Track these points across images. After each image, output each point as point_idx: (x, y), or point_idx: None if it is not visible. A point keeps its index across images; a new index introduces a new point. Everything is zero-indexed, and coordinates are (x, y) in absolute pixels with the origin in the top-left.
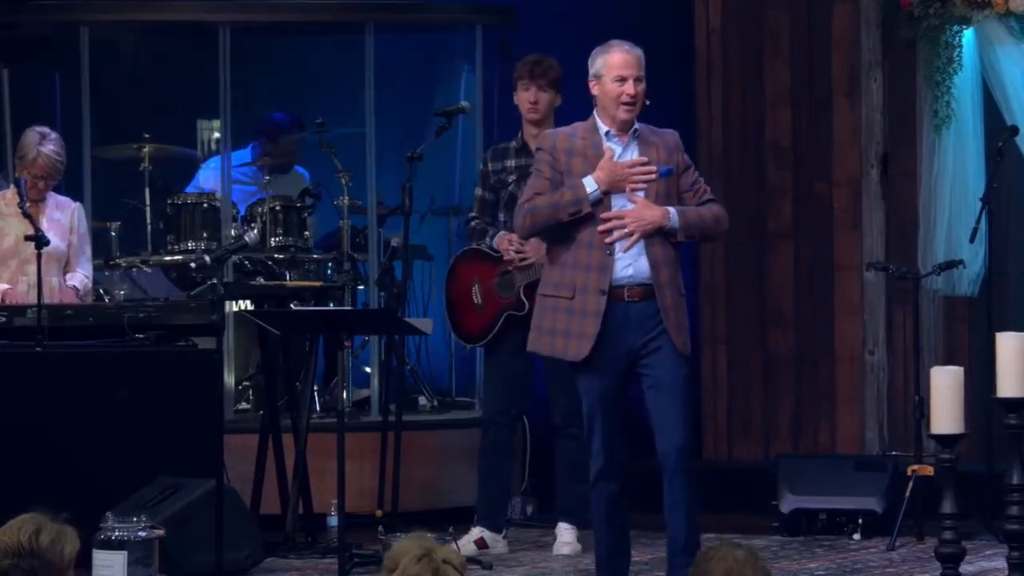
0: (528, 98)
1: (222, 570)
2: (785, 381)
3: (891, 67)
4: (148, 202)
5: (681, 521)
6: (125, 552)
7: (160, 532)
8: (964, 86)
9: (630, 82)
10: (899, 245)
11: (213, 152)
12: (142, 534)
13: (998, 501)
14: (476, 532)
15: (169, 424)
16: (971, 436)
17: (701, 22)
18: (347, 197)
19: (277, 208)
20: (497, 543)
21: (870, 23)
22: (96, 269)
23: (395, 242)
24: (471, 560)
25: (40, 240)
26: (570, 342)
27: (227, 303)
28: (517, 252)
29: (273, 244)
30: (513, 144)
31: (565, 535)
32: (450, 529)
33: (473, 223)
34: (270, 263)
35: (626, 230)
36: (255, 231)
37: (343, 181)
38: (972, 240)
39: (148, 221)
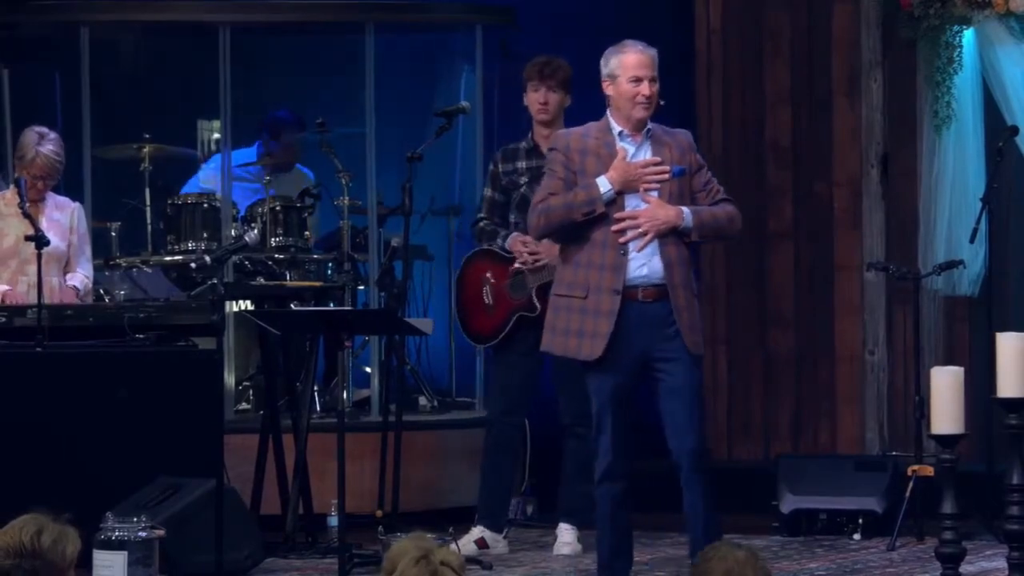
0: (538, 99)
1: (222, 570)
2: (785, 381)
3: (891, 67)
4: (148, 202)
5: (700, 523)
6: (125, 552)
7: (160, 532)
8: (964, 86)
9: (645, 82)
10: (899, 245)
11: (213, 152)
12: (142, 534)
13: (998, 501)
14: (477, 532)
15: (169, 424)
16: (971, 436)
17: (701, 22)
18: (347, 197)
19: (277, 208)
20: (497, 543)
21: (870, 23)
22: (96, 269)
23: (395, 242)
24: (471, 560)
25: (40, 240)
26: (583, 341)
27: (227, 303)
28: (531, 254)
29: (273, 244)
30: (523, 145)
31: (565, 535)
32: (450, 529)
33: (482, 223)
34: (270, 263)
35: (640, 230)
36: (255, 231)
37: (343, 181)
38: (972, 240)
39: (148, 221)
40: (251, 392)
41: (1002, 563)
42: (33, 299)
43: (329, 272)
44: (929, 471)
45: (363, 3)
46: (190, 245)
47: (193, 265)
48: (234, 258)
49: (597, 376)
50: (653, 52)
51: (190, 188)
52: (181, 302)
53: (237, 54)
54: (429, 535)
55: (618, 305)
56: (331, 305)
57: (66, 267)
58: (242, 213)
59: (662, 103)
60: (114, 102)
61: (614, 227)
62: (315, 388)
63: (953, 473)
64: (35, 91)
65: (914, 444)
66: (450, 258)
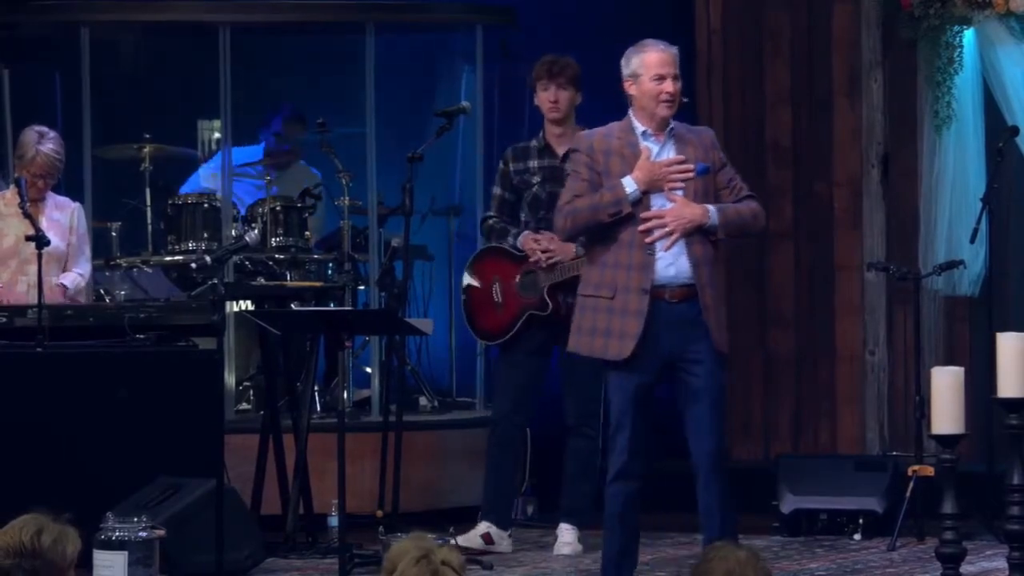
0: (548, 97)
1: (222, 570)
2: (785, 381)
3: (891, 67)
4: (149, 202)
5: (716, 524)
6: (126, 552)
7: (160, 532)
8: (965, 86)
9: (668, 80)
10: (900, 245)
11: (214, 152)
12: (143, 534)
13: (999, 501)
14: (483, 527)
15: (169, 424)
16: (971, 436)
17: (701, 22)
18: (347, 197)
19: (278, 208)
20: (503, 540)
21: (870, 23)
22: (97, 269)
23: (395, 242)
24: (471, 561)
25: (41, 240)
26: (611, 342)
27: (228, 303)
28: (544, 252)
29: (274, 244)
30: (534, 144)
31: (566, 535)
32: (451, 529)
33: (491, 221)
34: (271, 263)
35: (666, 229)
36: (256, 231)
37: (343, 181)
38: (973, 240)
39: (149, 221)
40: (251, 392)
41: (1002, 563)
42: (32, 299)
43: (329, 272)
44: (929, 471)
45: (363, 3)
46: (190, 245)
47: (193, 265)
48: (234, 258)
49: (620, 375)
50: (674, 50)
51: (190, 188)
52: (181, 302)
53: (237, 54)
54: (430, 535)
55: (647, 305)
56: (331, 305)
57: (65, 267)
58: (245, 211)
59: (685, 100)
60: (114, 102)
61: (640, 227)
62: (315, 388)
63: (953, 473)
64: (35, 91)
65: (914, 444)
66: (450, 258)
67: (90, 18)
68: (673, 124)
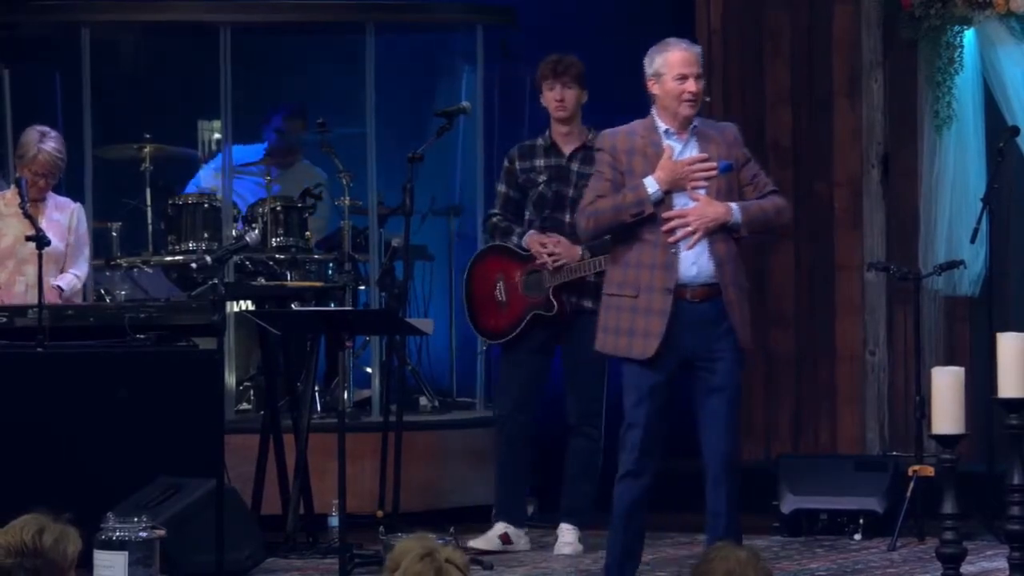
0: (554, 96)
1: (223, 570)
2: (785, 381)
3: (892, 67)
4: (149, 202)
5: (722, 524)
6: (126, 552)
7: (161, 532)
8: (965, 86)
9: (691, 79)
10: (900, 245)
11: (214, 152)
12: (143, 534)
13: (999, 501)
14: (500, 527)
15: (170, 424)
16: (972, 436)
17: (701, 22)
18: (348, 197)
19: (278, 208)
20: (520, 538)
21: (871, 23)
22: (97, 269)
23: (396, 242)
24: (471, 561)
25: (41, 240)
26: (634, 340)
27: (228, 303)
28: (550, 255)
29: (274, 244)
30: (540, 142)
31: (567, 535)
32: (451, 529)
33: (495, 219)
34: (271, 263)
35: (689, 228)
36: (256, 231)
37: (344, 181)
38: (973, 240)
39: (149, 221)
40: (252, 392)
41: (1003, 563)
42: (29, 299)
43: (330, 272)
44: (930, 471)
45: (363, 3)
46: (191, 245)
47: (194, 265)
48: (235, 258)
49: (639, 372)
50: (697, 49)
51: (190, 190)
52: (182, 302)
53: (237, 54)
54: (431, 535)
55: (670, 304)
56: (332, 305)
57: (62, 268)
58: (245, 210)
59: (707, 99)
60: (114, 102)
61: (664, 227)
62: (316, 388)
63: (954, 473)
64: (35, 91)
65: (915, 444)
66: (451, 258)
67: (90, 18)
68: (696, 121)
